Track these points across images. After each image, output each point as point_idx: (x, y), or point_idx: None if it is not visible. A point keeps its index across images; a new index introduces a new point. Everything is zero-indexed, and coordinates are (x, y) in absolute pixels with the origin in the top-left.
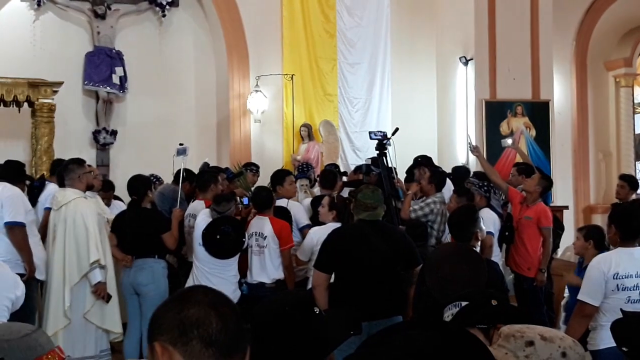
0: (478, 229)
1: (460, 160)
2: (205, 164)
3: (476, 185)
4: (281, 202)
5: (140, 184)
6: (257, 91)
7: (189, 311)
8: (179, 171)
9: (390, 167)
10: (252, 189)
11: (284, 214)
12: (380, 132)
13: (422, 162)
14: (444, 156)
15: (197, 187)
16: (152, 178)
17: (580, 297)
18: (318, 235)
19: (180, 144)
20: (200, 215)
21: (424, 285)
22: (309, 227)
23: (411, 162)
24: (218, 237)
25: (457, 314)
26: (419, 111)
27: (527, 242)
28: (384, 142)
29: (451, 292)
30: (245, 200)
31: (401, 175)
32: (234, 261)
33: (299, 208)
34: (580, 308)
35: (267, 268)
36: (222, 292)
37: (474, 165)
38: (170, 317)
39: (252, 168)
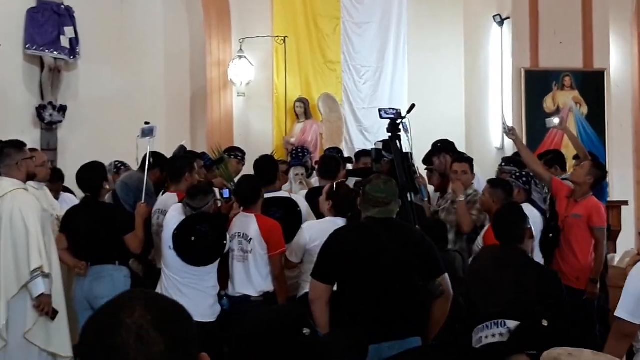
0: (528, 225)
1: (494, 144)
2: (182, 148)
3: (513, 174)
4: (281, 193)
5: (93, 176)
6: (240, 57)
7: (113, 339)
8: (145, 156)
9: (406, 153)
10: (236, 179)
11: (290, 209)
12: (394, 109)
13: (443, 147)
14: (474, 139)
15: (169, 176)
16: (116, 164)
17: (617, 313)
18: (312, 231)
19: (146, 123)
20: (171, 211)
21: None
22: None
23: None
24: (192, 239)
25: (505, 341)
26: (442, 83)
27: (575, 246)
28: (398, 121)
29: (495, 300)
30: (226, 193)
31: (419, 162)
32: (212, 269)
33: (303, 203)
34: (618, 326)
35: (252, 277)
36: (196, 306)
37: (510, 150)
38: (89, 341)
39: (237, 154)
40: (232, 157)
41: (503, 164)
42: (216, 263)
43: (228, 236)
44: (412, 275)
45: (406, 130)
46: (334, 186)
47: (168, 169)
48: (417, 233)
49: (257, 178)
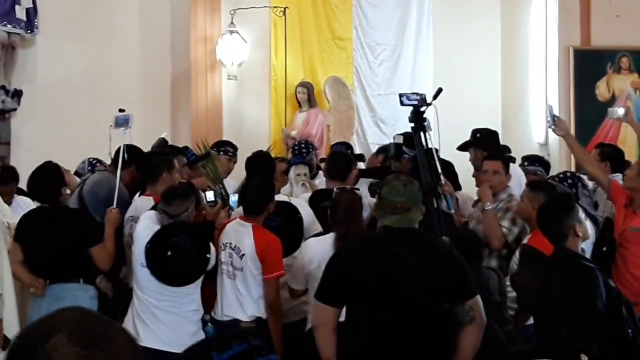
0: (576, 221)
1: (536, 139)
2: (162, 142)
3: (558, 177)
4: (278, 197)
5: (47, 182)
6: (231, 33)
7: None
8: (118, 151)
9: (431, 149)
10: (226, 180)
11: (289, 216)
12: (417, 94)
13: (481, 139)
14: (511, 133)
15: (144, 176)
16: (91, 162)
17: None
18: (314, 248)
19: (120, 111)
20: (143, 220)
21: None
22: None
23: (463, 140)
24: (169, 253)
25: None
26: (475, 65)
27: (633, 265)
28: (423, 109)
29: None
30: (211, 196)
31: (450, 158)
32: (194, 289)
33: (306, 208)
34: None
35: (243, 299)
36: (175, 334)
37: (556, 145)
38: None
39: (227, 150)
40: (222, 153)
41: (526, 164)
42: (198, 282)
43: (218, 246)
44: (437, 299)
45: (428, 127)
46: (333, 194)
47: (142, 167)
48: (444, 247)
49: (248, 179)
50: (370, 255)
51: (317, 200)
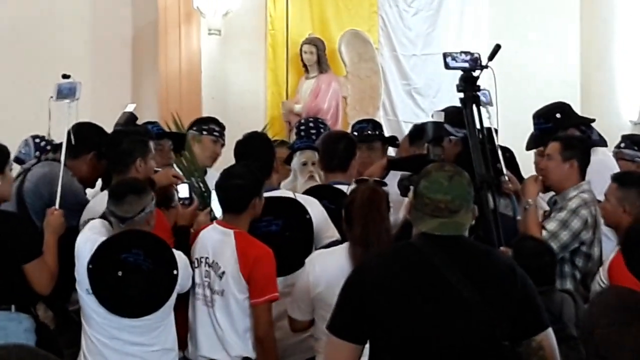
0: None
1: (626, 117)
2: (130, 117)
3: None
4: (279, 192)
5: None
6: None
7: None
8: (69, 133)
9: (489, 129)
10: (211, 169)
11: (294, 216)
12: (467, 53)
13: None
14: (593, 109)
15: (109, 164)
16: (37, 143)
17: None
18: (322, 264)
19: (64, 77)
20: (86, 230)
21: None
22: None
23: (527, 118)
24: (119, 274)
25: None
26: (545, 20)
27: None
28: (475, 74)
29: None
30: (184, 191)
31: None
32: (160, 321)
33: (317, 207)
34: None
35: (224, 333)
36: None
37: None
38: None
39: (212, 129)
40: (205, 133)
41: (622, 146)
42: (166, 311)
43: (186, 260)
44: (494, 333)
45: (485, 103)
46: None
47: (108, 153)
48: (505, 262)
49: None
50: (401, 272)
51: (317, 195)
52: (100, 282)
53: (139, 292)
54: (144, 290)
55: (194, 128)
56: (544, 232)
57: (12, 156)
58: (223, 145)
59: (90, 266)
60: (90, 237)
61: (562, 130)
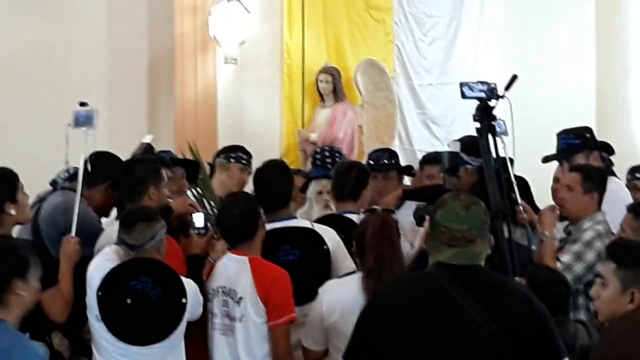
0: None
1: None
2: (147, 148)
3: None
4: (297, 222)
5: None
6: (229, 0)
7: None
8: (85, 162)
9: (504, 158)
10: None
11: (312, 247)
12: (484, 83)
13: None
14: (609, 133)
15: (122, 193)
16: (69, 174)
17: None
18: (335, 293)
19: (82, 104)
20: (98, 257)
21: None
22: None
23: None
24: (128, 301)
25: None
26: (561, 45)
27: None
28: (492, 103)
29: None
30: (200, 221)
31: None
32: (169, 349)
33: (334, 238)
34: None
35: None
36: None
37: None
38: None
39: (240, 157)
40: (232, 160)
41: (638, 176)
42: (176, 339)
43: (197, 289)
44: None
45: (500, 133)
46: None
47: (121, 181)
48: (521, 292)
49: (258, 198)
50: (417, 303)
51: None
52: (109, 309)
53: (147, 320)
54: (152, 318)
55: (222, 156)
56: (558, 264)
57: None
58: (250, 173)
59: (100, 293)
60: (101, 264)
61: (588, 150)
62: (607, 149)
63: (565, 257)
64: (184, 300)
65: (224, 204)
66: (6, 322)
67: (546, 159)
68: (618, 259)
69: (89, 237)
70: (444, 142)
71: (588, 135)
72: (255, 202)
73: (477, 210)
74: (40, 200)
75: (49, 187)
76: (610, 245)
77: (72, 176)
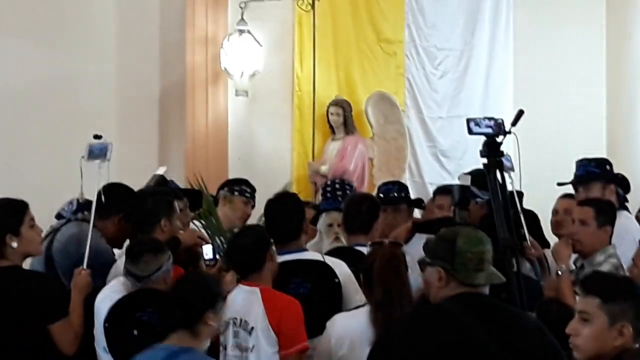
0: None
1: None
2: (160, 180)
3: None
4: (308, 255)
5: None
6: (241, 32)
7: None
8: (99, 194)
9: (511, 192)
10: (235, 230)
11: (323, 280)
12: (491, 119)
13: (609, 171)
14: (621, 163)
15: (133, 225)
16: (81, 203)
17: None
18: (344, 326)
19: (96, 137)
20: (106, 289)
21: None
22: None
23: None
24: (135, 332)
25: None
26: (571, 79)
27: None
28: (500, 139)
29: None
30: (209, 253)
31: (535, 207)
32: None
33: (345, 271)
34: None
35: None
36: None
37: None
38: None
39: (244, 190)
40: (236, 193)
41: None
42: None
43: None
44: None
45: (508, 168)
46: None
47: (133, 214)
48: (534, 324)
49: (269, 230)
50: (430, 337)
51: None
52: (116, 340)
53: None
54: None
55: (226, 188)
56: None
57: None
58: (253, 206)
59: (107, 324)
60: (108, 296)
61: (605, 181)
62: (624, 184)
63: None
64: None
65: (234, 235)
66: (195, 349)
67: (562, 184)
68: (602, 293)
69: (102, 269)
70: (455, 174)
71: (608, 167)
72: (265, 233)
73: (483, 232)
74: (54, 231)
75: (61, 219)
76: (587, 279)
77: (80, 208)
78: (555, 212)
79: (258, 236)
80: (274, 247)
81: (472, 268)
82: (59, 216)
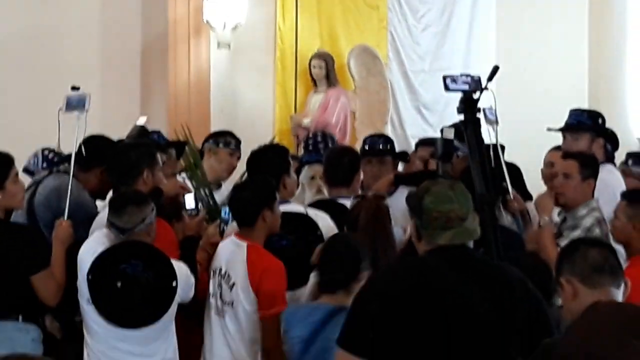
0: None
1: (635, 134)
2: (141, 130)
3: None
4: (290, 207)
5: None
6: None
7: None
8: (80, 147)
9: (488, 146)
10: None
11: (305, 232)
12: (467, 76)
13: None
14: None
15: (114, 176)
16: (45, 155)
17: None
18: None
19: (73, 88)
20: (89, 240)
21: None
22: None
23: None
24: (118, 284)
25: None
26: (554, 33)
27: None
28: (476, 95)
29: None
30: (190, 203)
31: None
32: (160, 332)
33: (328, 223)
34: None
35: (231, 344)
36: None
37: None
38: None
39: (228, 141)
40: (221, 145)
41: (630, 163)
42: (167, 322)
43: (189, 272)
44: (507, 345)
45: (491, 121)
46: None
47: (113, 164)
48: (515, 276)
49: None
50: (414, 285)
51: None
52: (100, 292)
53: (138, 302)
54: (142, 301)
55: (210, 141)
56: (559, 250)
57: (20, 167)
58: (239, 158)
59: (90, 276)
60: (91, 247)
61: (595, 134)
62: (613, 140)
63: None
64: (174, 284)
65: (238, 185)
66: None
67: (551, 130)
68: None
69: (84, 221)
70: (437, 127)
71: (600, 120)
72: (267, 188)
73: (461, 188)
74: (36, 184)
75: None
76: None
77: (61, 160)
78: (549, 164)
79: (257, 191)
80: (277, 201)
81: (439, 226)
82: (25, 170)
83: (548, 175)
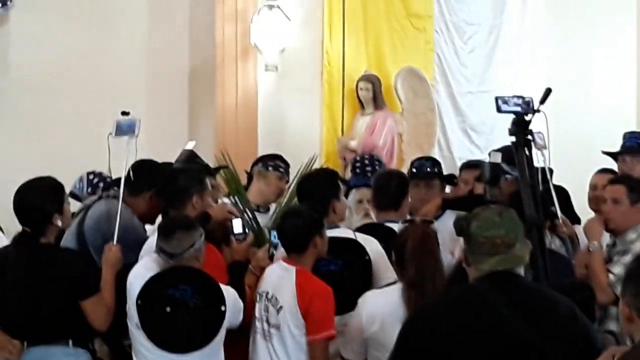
0: None
1: None
2: (190, 155)
3: None
4: (339, 232)
5: (39, 200)
6: (271, 7)
7: None
8: (128, 171)
9: (538, 169)
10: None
11: (353, 257)
12: (519, 97)
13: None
14: None
15: (165, 201)
16: (90, 179)
17: None
18: (375, 304)
19: (124, 113)
20: (138, 265)
21: None
22: None
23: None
24: (167, 309)
25: None
26: (602, 61)
27: None
28: (529, 117)
29: None
30: (238, 227)
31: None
32: (209, 356)
33: (376, 248)
34: None
35: None
36: None
37: None
38: None
39: (278, 165)
40: (270, 169)
41: None
42: (216, 346)
43: (237, 297)
44: None
45: (541, 146)
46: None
47: (164, 190)
48: (566, 306)
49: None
50: (462, 319)
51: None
52: (149, 317)
53: (187, 327)
54: (191, 326)
55: (260, 164)
56: (610, 276)
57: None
58: (287, 182)
59: (139, 301)
60: (140, 273)
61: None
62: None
63: (617, 269)
64: (223, 308)
65: (286, 212)
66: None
67: (607, 154)
68: None
69: (134, 245)
70: (484, 149)
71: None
72: (318, 218)
73: (510, 214)
74: (86, 208)
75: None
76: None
77: (116, 184)
78: (594, 187)
79: (309, 219)
80: (325, 227)
81: (485, 252)
82: (72, 194)
83: (593, 198)
